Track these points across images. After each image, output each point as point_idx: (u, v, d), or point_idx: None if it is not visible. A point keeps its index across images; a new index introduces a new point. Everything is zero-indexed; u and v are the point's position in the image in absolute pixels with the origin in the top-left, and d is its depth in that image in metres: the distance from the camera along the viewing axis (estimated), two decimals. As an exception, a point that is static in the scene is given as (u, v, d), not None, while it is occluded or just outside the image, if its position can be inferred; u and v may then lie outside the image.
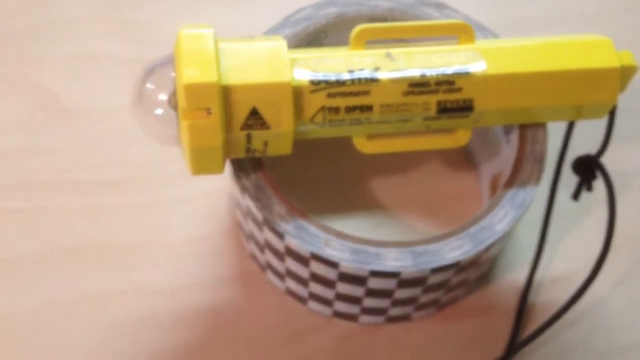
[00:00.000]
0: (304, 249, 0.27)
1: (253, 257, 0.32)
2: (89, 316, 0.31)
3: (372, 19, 0.31)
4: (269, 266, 0.31)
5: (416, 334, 0.32)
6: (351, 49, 0.28)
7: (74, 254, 0.33)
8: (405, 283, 0.28)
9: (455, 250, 0.27)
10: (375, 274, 0.27)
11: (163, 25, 0.39)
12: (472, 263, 0.28)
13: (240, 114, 0.25)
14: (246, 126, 0.26)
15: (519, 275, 0.33)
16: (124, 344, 0.31)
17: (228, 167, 0.29)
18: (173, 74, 0.26)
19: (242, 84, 0.25)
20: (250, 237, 0.31)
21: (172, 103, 0.27)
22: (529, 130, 0.29)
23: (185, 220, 0.34)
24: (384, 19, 0.31)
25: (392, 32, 0.28)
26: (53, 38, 0.38)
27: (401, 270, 0.27)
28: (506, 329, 0.32)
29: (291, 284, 0.31)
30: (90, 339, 0.31)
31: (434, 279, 0.28)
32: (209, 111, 0.25)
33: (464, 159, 0.36)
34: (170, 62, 0.27)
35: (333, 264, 0.27)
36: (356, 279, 0.28)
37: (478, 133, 0.34)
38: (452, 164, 0.36)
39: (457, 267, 0.28)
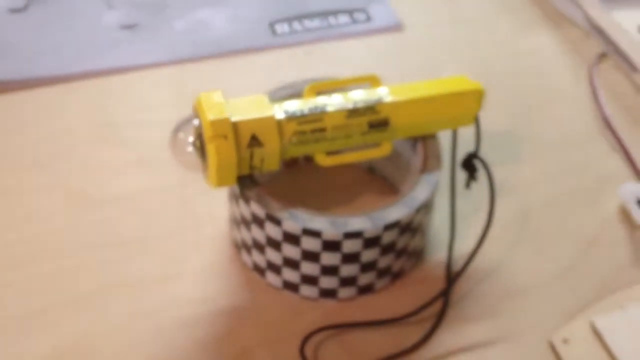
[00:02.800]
0: (297, 226, 0.40)
1: (255, 266, 0.45)
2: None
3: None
4: (269, 265, 0.43)
5: (379, 299, 0.45)
6: (306, 98, 0.43)
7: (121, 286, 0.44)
8: (368, 243, 0.41)
9: (397, 213, 0.41)
10: (347, 235, 0.40)
11: (142, 133, 0.53)
12: (409, 224, 0.42)
13: (245, 138, 0.39)
14: (249, 145, 0.39)
15: (442, 254, 0.47)
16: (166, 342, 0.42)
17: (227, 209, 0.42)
18: (195, 124, 0.40)
19: (245, 119, 0.40)
20: (253, 245, 0.43)
21: (197, 144, 0.40)
22: (427, 140, 0.45)
23: (200, 255, 0.46)
24: None
25: (330, 86, 0.43)
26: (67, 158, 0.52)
27: (364, 229, 0.40)
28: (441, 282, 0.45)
29: (287, 273, 0.43)
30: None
31: (386, 238, 0.41)
32: (225, 137, 0.39)
33: (389, 189, 0.50)
34: (189, 119, 0.41)
35: (317, 234, 0.40)
36: (334, 245, 0.41)
37: (394, 164, 0.48)
38: (382, 194, 0.50)
39: (399, 225, 0.41)
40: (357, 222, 0.40)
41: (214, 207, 0.49)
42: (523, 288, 0.46)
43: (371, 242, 0.41)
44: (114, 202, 0.49)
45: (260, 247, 0.43)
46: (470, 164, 0.46)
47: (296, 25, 0.62)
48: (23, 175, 0.50)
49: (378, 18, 0.63)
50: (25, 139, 0.52)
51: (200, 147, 0.40)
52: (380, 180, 0.51)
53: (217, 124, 0.39)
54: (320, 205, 0.49)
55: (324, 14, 0.63)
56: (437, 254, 0.47)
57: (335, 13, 0.63)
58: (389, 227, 0.41)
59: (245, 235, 0.44)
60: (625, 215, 0.50)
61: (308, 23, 0.62)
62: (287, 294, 0.44)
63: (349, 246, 0.41)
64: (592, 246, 0.49)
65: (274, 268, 0.43)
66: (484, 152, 0.46)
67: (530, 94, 0.59)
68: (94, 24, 0.60)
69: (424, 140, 0.45)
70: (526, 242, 0.48)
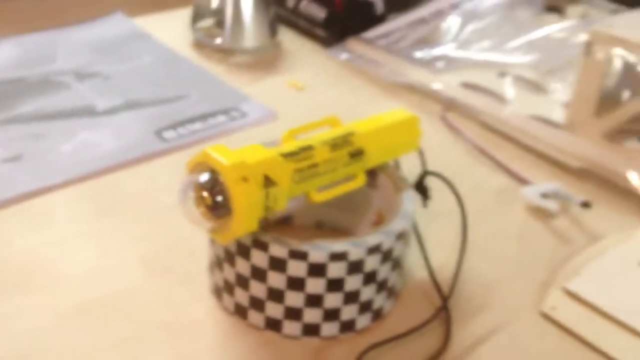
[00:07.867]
0: (322, 254, 0.41)
1: (268, 322, 0.44)
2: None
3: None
4: (287, 313, 0.43)
5: (389, 322, 0.46)
6: (287, 142, 0.45)
7: None
8: (352, 268, 0.42)
9: (401, 224, 0.44)
10: (370, 250, 0.42)
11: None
12: (408, 234, 0.45)
13: (259, 179, 0.41)
14: (265, 186, 0.41)
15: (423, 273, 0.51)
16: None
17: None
18: (202, 180, 0.41)
19: (256, 161, 0.41)
20: (268, 296, 0.43)
21: (207, 200, 0.41)
22: (384, 168, 0.49)
23: (206, 334, 0.45)
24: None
25: (304, 129, 0.47)
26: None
27: (381, 242, 0.43)
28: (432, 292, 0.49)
29: (308, 314, 0.43)
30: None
31: (397, 250, 0.44)
32: (246, 179, 0.40)
33: (343, 236, 0.53)
34: (191, 181, 0.41)
35: (343, 256, 0.42)
36: (357, 265, 0.42)
37: (345, 209, 0.52)
38: (338, 242, 0.53)
39: (404, 236, 0.44)
40: (374, 238, 0.43)
41: (190, 288, 0.48)
42: (496, 279, 0.51)
43: (355, 267, 0.43)
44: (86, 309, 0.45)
45: (278, 295, 0.43)
46: (422, 184, 0.51)
47: (181, 129, 0.64)
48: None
49: (251, 113, 0.67)
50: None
51: (212, 201, 0.41)
52: (330, 231, 0.53)
53: (236, 167, 0.40)
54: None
55: (204, 117, 0.66)
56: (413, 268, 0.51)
57: (213, 114, 0.66)
58: (398, 237, 0.44)
59: (257, 289, 0.43)
60: (533, 211, 0.58)
61: (191, 126, 0.64)
62: (307, 340, 0.44)
63: (371, 264, 0.43)
64: (523, 240, 0.56)
65: (293, 314, 0.43)
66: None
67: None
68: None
69: (383, 170, 0.49)
70: (472, 246, 0.54)
